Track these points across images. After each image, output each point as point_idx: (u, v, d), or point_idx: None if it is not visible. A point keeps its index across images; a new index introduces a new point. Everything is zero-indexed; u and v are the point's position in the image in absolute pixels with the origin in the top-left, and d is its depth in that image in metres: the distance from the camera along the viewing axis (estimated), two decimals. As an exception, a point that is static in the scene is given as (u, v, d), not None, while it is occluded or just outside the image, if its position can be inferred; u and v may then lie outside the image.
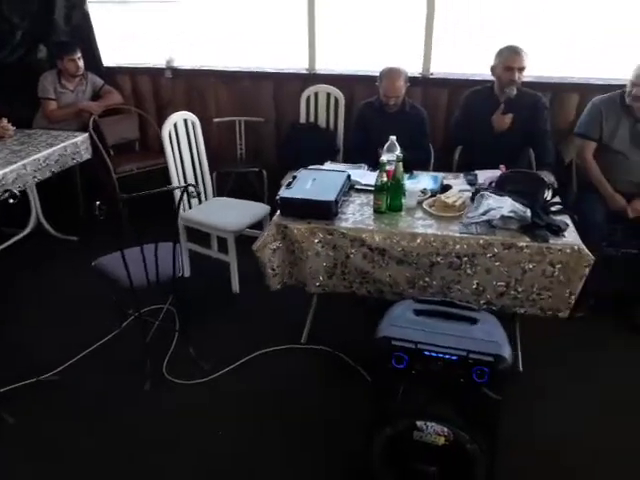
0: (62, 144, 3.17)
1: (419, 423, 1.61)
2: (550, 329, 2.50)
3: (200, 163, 3.03)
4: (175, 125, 2.88)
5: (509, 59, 2.72)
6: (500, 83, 2.79)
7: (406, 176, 2.62)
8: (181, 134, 2.92)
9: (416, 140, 3.01)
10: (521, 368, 2.41)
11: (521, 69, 2.72)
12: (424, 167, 3.07)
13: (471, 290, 2.15)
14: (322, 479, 1.96)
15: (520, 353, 2.45)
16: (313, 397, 2.28)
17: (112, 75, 3.84)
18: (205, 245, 3.17)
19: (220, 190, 3.64)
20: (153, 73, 3.85)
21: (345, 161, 3.29)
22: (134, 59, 4.12)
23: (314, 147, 3.42)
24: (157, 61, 3.87)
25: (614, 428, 2.12)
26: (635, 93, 2.56)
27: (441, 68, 3.53)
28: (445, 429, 1.60)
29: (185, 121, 2.94)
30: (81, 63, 3.53)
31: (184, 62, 3.89)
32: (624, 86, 2.66)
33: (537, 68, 3.09)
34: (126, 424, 2.18)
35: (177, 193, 2.47)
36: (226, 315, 2.83)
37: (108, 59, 3.93)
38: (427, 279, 2.19)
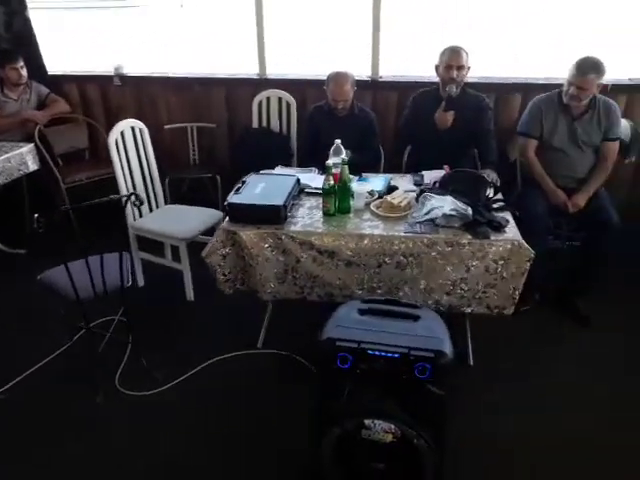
0: (5, 155, 3.08)
1: (367, 421, 1.63)
2: (499, 323, 2.54)
3: (150, 170, 2.99)
4: (122, 133, 2.83)
5: (449, 58, 2.80)
6: (442, 82, 2.86)
7: (355, 178, 2.67)
8: (129, 142, 2.88)
9: (366, 142, 3.06)
10: (472, 362, 2.47)
11: (460, 67, 2.79)
12: (375, 169, 3.12)
13: (419, 290, 2.19)
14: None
15: (470, 348, 2.51)
16: (269, 400, 2.29)
17: (58, 83, 3.75)
18: (159, 254, 3.13)
19: (174, 197, 3.61)
20: (101, 81, 3.78)
21: (299, 165, 3.31)
22: (82, 66, 4.04)
23: (268, 151, 3.43)
24: (105, 68, 3.80)
25: (562, 422, 2.17)
26: (572, 92, 2.65)
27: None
28: (392, 426, 1.63)
29: (132, 129, 2.90)
30: (24, 72, 3.44)
31: (133, 69, 3.83)
32: (562, 85, 2.76)
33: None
34: (78, 438, 2.14)
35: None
36: (180, 324, 2.81)
37: (54, 67, 3.84)
38: (376, 280, 2.22)
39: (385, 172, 3.04)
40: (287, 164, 3.28)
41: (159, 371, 2.43)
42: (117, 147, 2.80)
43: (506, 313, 2.19)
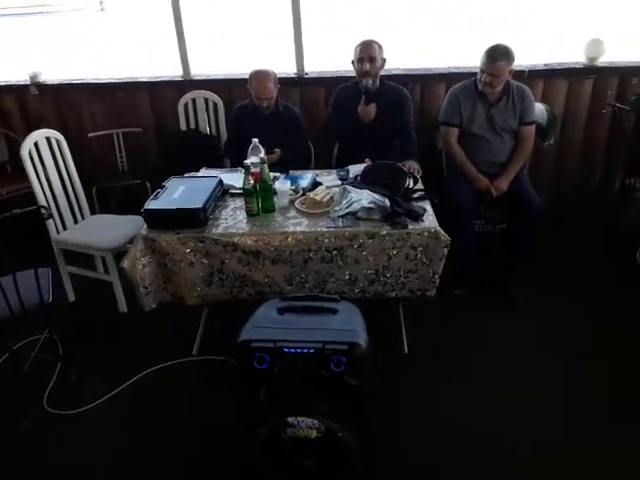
0: None
1: (290, 420, 1.64)
2: (433, 309, 2.61)
3: (71, 181, 2.89)
4: (36, 144, 2.72)
5: (360, 51, 2.84)
6: (357, 75, 2.89)
7: (282, 176, 2.66)
8: (45, 153, 2.77)
9: (294, 140, 3.04)
10: (406, 350, 2.51)
11: (372, 59, 2.81)
12: (306, 166, 3.12)
13: (345, 281, 2.21)
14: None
15: (405, 336, 2.55)
16: (204, 407, 2.25)
17: (-30, 95, 3.58)
18: (91, 267, 3.04)
19: (104, 206, 3.50)
20: (17, 90, 3.62)
21: (232, 165, 3.27)
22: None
23: (198, 153, 3.38)
24: (21, 77, 3.64)
25: (494, 407, 2.18)
26: (484, 80, 2.73)
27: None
28: (315, 422, 1.64)
29: (48, 139, 2.79)
30: None
31: (52, 76, 3.69)
32: (477, 73, 2.83)
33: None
34: (5, 467, 2.04)
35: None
36: (113, 336, 2.73)
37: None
38: (303, 275, 2.22)
39: (316, 169, 3.05)
40: (219, 165, 3.24)
41: (91, 387, 2.36)
42: (32, 159, 2.69)
43: (428, 295, 2.24)
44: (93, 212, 3.17)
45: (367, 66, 2.80)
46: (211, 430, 2.13)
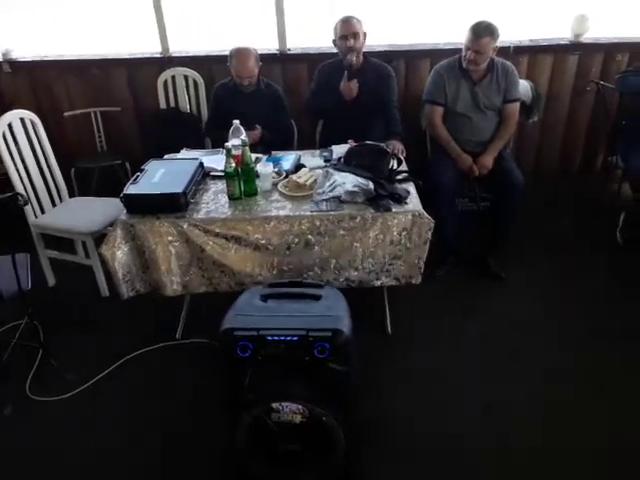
0: None
1: (274, 405, 1.64)
2: (416, 288, 2.59)
3: (48, 163, 2.81)
4: (10, 125, 2.63)
5: (341, 28, 2.79)
6: (342, 53, 2.83)
7: (264, 158, 2.61)
8: (20, 134, 2.68)
9: (276, 118, 2.99)
10: (390, 330, 2.52)
11: (355, 34, 2.77)
12: (288, 145, 3.08)
13: (329, 269, 2.18)
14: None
15: (389, 316, 2.56)
16: (188, 391, 2.25)
17: (-62, 74, 3.43)
18: (71, 250, 2.99)
19: (83, 188, 3.42)
20: (-12, 68, 3.49)
21: (213, 144, 3.21)
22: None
23: (179, 132, 3.32)
24: (-9, 54, 3.50)
25: (479, 388, 2.19)
26: (469, 57, 2.69)
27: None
28: (300, 407, 1.64)
29: (22, 120, 2.70)
30: None
31: (24, 54, 3.55)
32: (461, 51, 2.78)
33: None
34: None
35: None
36: (95, 321, 2.70)
37: None
38: (286, 263, 2.18)
39: (299, 148, 3.00)
40: (200, 145, 3.19)
41: (74, 373, 2.34)
42: (6, 141, 2.60)
43: (414, 283, 2.23)
44: (72, 194, 3.11)
45: (351, 42, 2.75)
46: (196, 413, 2.13)
